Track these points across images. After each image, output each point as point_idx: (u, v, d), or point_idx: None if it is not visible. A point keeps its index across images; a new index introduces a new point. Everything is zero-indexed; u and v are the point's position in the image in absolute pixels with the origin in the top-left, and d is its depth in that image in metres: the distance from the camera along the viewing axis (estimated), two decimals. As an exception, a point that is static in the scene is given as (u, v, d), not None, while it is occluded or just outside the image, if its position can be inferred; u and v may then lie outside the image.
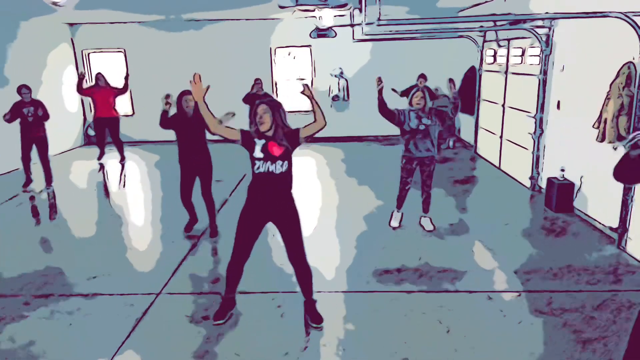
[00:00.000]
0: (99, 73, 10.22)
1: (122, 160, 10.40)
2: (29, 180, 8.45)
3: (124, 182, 9.22)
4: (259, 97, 9.60)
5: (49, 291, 4.64)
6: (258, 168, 3.73)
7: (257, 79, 9.84)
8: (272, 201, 3.81)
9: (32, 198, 8.06)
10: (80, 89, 10.09)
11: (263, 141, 3.72)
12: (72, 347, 3.76)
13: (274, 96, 9.86)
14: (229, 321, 4.03)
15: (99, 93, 10.00)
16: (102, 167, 10.23)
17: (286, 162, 3.75)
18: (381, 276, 4.79)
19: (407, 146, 5.73)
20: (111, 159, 10.67)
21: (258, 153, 3.72)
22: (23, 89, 7.92)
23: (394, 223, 6.09)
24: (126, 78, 10.33)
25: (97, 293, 4.59)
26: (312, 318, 3.96)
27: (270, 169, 3.72)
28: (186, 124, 5.53)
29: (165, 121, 5.52)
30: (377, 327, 3.91)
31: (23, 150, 8.19)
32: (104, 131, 10.34)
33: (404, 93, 10.78)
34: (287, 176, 3.79)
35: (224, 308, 4.04)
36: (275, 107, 3.73)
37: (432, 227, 5.98)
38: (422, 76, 10.68)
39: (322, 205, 7.41)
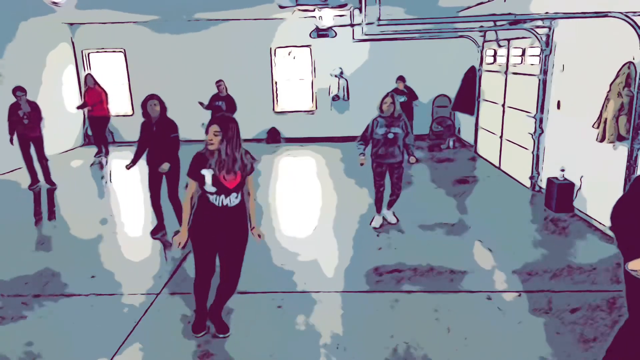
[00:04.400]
0: (89, 74, 10.62)
1: (106, 154, 10.81)
2: (35, 180, 8.44)
3: (110, 178, 9.46)
4: (220, 99, 9.60)
5: (49, 291, 4.64)
6: (212, 201, 3.42)
7: (218, 80, 9.81)
8: (224, 231, 3.51)
9: (37, 195, 8.07)
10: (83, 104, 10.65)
11: (211, 171, 3.36)
12: (72, 347, 3.75)
13: (234, 99, 9.76)
14: (229, 321, 4.03)
15: (89, 93, 10.39)
16: (100, 164, 10.39)
17: (240, 193, 3.47)
18: (381, 276, 4.79)
19: (376, 152, 5.92)
20: (112, 158, 10.70)
21: (209, 187, 3.37)
22: (18, 91, 7.94)
23: (375, 224, 6.18)
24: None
25: (97, 293, 4.59)
26: (218, 328, 3.81)
27: (224, 202, 3.41)
28: (151, 128, 5.55)
29: (140, 131, 5.62)
30: (377, 327, 3.91)
31: (23, 151, 8.20)
32: (99, 130, 10.66)
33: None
34: (242, 207, 3.54)
35: (200, 320, 3.84)
36: (227, 124, 3.35)
37: (395, 220, 6.22)
38: (400, 78, 10.70)
39: (322, 205, 7.41)
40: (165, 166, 5.56)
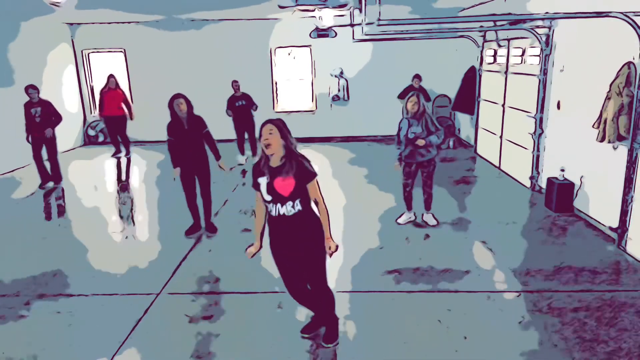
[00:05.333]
0: (112, 75, 10.72)
1: (128, 154, 10.92)
2: (46, 178, 8.44)
3: (127, 176, 9.51)
4: (237, 99, 9.63)
5: (49, 291, 4.64)
6: (270, 211, 3.31)
7: (234, 81, 9.84)
8: (290, 242, 3.39)
9: (47, 194, 8.09)
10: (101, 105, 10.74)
11: (266, 179, 3.26)
12: (72, 347, 3.76)
13: (252, 97, 9.82)
14: (229, 321, 4.04)
15: (109, 94, 10.54)
16: (118, 161, 10.57)
17: (298, 201, 3.26)
18: (381, 276, 4.79)
19: (404, 152, 5.88)
20: (112, 158, 10.71)
21: (265, 195, 3.27)
22: (30, 89, 7.94)
23: (401, 220, 6.22)
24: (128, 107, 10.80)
25: (97, 293, 4.59)
26: (326, 336, 3.70)
27: (281, 211, 3.26)
28: (182, 127, 5.55)
29: (169, 132, 5.62)
30: (377, 327, 3.91)
31: (34, 150, 8.19)
32: (114, 129, 10.78)
33: (401, 95, 10.80)
34: (304, 215, 3.31)
35: (316, 322, 3.80)
36: (284, 126, 3.25)
37: (435, 222, 6.12)
38: (417, 76, 10.72)
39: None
40: (223, 164, 5.77)
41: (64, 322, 4.12)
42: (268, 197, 3.26)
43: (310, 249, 3.39)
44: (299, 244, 3.37)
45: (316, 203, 3.39)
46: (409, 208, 6.21)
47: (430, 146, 5.76)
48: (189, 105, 5.54)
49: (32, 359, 3.62)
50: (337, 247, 3.41)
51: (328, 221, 3.42)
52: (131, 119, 10.81)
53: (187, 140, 5.58)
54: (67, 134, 11.98)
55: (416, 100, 5.68)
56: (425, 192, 6.08)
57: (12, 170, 9.66)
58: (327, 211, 3.40)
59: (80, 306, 4.37)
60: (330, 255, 3.45)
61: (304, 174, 3.26)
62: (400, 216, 6.27)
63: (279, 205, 3.25)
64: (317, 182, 3.33)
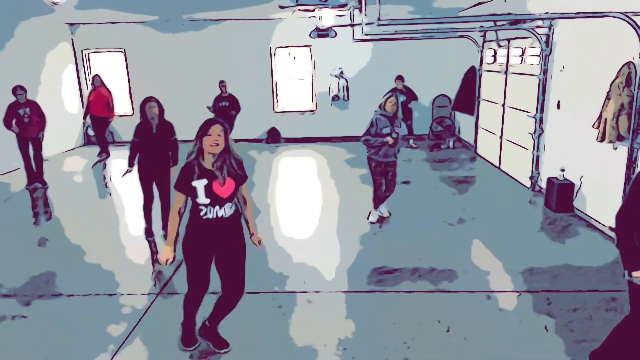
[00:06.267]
0: (97, 74, 10.67)
1: (101, 154, 10.87)
2: (32, 178, 8.43)
3: (110, 178, 9.48)
4: (221, 99, 9.66)
5: (49, 291, 4.64)
6: (205, 214, 3.23)
7: (221, 81, 9.88)
8: (221, 243, 3.36)
9: (34, 196, 8.07)
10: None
11: (204, 181, 3.16)
12: (72, 347, 3.75)
13: (238, 100, 9.90)
14: (229, 321, 4.03)
15: (94, 93, 10.51)
16: (103, 163, 10.48)
17: (234, 202, 3.29)
18: (381, 276, 4.79)
19: (377, 152, 5.99)
20: (112, 158, 10.71)
21: (202, 198, 3.18)
22: (18, 89, 7.95)
23: (372, 218, 6.34)
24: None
25: (97, 293, 4.59)
26: (216, 343, 3.63)
27: (219, 214, 3.22)
28: (151, 131, 5.51)
29: (136, 133, 5.56)
30: (377, 327, 3.91)
31: (22, 150, 8.18)
32: (100, 130, 10.75)
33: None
34: (237, 216, 3.36)
35: (190, 333, 3.67)
36: (229, 131, 3.24)
37: (388, 214, 6.41)
38: (399, 77, 10.74)
39: (322, 205, 7.42)
40: (174, 173, 5.57)
41: (63, 322, 4.12)
42: (205, 201, 3.19)
43: (240, 246, 3.42)
44: (231, 243, 3.37)
45: (244, 202, 3.45)
46: (377, 207, 6.35)
47: (397, 143, 5.94)
48: (161, 110, 5.51)
49: (32, 359, 3.62)
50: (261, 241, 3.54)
51: (253, 220, 3.56)
52: (111, 117, 10.67)
53: (152, 144, 5.54)
54: (67, 134, 12.01)
55: (395, 101, 5.83)
56: (390, 190, 6.26)
57: (11, 171, 9.65)
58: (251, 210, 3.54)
59: (80, 306, 4.37)
60: (260, 246, 3.54)
61: (242, 175, 3.31)
62: (369, 215, 6.38)
63: (217, 207, 3.21)
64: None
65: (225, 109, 9.75)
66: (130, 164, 5.68)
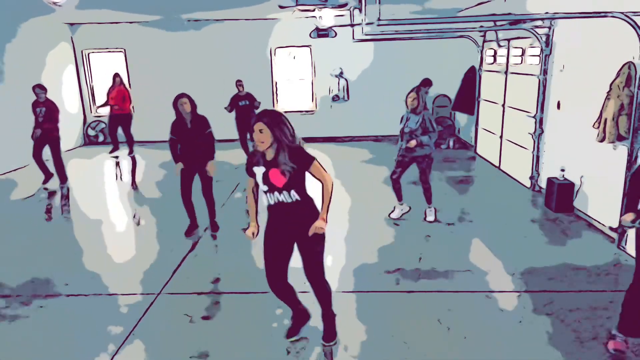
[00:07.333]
0: (117, 73, 10.95)
1: (131, 153, 11.03)
2: (48, 176, 8.40)
3: (133, 178, 9.51)
4: (241, 98, 9.65)
5: (49, 291, 4.64)
6: (267, 200, 3.34)
7: (238, 80, 9.87)
8: (291, 229, 3.40)
9: (50, 194, 8.09)
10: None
11: (262, 169, 3.29)
12: (72, 347, 3.75)
13: (255, 97, 9.88)
14: (229, 321, 4.03)
15: (114, 91, 10.73)
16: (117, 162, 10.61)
17: (294, 191, 3.28)
18: (381, 276, 4.79)
19: (400, 145, 6.05)
20: (110, 156, 10.72)
21: (261, 185, 3.33)
22: (37, 88, 7.97)
23: (394, 215, 6.31)
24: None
25: (97, 293, 4.59)
26: (326, 335, 3.69)
27: (279, 199, 3.31)
28: (185, 126, 5.58)
29: (172, 131, 5.66)
30: (377, 327, 3.91)
31: (35, 148, 8.16)
32: (116, 127, 10.91)
33: None
34: (303, 205, 3.34)
35: (296, 321, 3.77)
36: (275, 121, 3.23)
37: (432, 218, 6.19)
38: (426, 83, 10.80)
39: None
40: (211, 167, 5.66)
41: (64, 322, 4.12)
42: (264, 187, 3.31)
43: (307, 237, 3.34)
44: (297, 231, 3.37)
45: (322, 183, 3.39)
46: (399, 199, 6.26)
47: (420, 146, 5.83)
48: (193, 105, 5.58)
49: (32, 359, 3.62)
50: (322, 228, 3.33)
51: (328, 203, 3.39)
52: (124, 110, 10.85)
53: (189, 140, 5.61)
54: (67, 134, 11.97)
55: (415, 96, 5.80)
56: (422, 186, 6.17)
57: (12, 171, 9.65)
58: (330, 192, 3.41)
59: (80, 306, 4.37)
60: (311, 231, 3.32)
61: (300, 163, 3.27)
62: (392, 211, 6.32)
63: (276, 193, 3.29)
64: (318, 163, 3.37)
65: (247, 107, 9.73)
66: (177, 160, 5.70)
